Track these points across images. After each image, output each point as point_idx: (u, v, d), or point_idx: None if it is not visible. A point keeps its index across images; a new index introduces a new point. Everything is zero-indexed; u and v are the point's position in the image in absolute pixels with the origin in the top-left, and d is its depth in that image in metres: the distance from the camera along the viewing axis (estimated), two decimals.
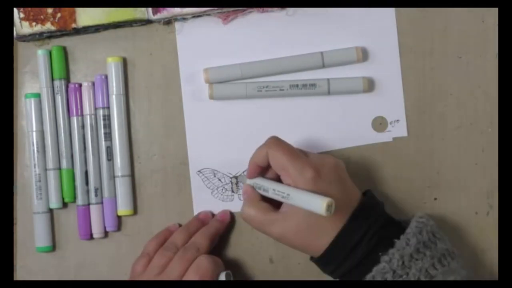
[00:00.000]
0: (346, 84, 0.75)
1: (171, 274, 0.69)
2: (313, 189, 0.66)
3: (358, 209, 0.68)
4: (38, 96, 0.75)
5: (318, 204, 0.64)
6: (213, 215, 0.76)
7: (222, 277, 0.71)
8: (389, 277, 0.65)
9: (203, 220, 0.75)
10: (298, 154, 0.68)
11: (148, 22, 0.75)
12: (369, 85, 0.75)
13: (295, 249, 0.70)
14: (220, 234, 0.75)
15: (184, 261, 0.70)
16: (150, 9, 0.74)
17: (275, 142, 0.69)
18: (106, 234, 0.76)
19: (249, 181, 0.71)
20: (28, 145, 0.76)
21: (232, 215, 0.76)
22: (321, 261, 0.69)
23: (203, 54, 0.76)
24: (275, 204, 0.69)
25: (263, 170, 0.71)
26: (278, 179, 0.70)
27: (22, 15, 0.74)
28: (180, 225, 0.75)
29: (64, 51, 0.76)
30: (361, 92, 0.75)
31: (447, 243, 0.68)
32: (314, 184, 0.66)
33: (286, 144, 0.69)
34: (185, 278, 0.69)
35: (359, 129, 0.76)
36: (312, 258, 0.70)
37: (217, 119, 0.76)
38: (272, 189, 0.69)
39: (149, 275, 0.70)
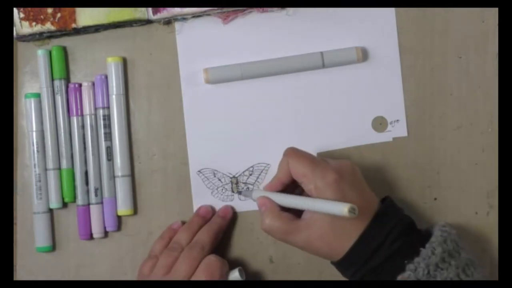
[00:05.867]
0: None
1: (178, 273, 0.69)
2: (336, 191, 0.66)
3: (380, 212, 0.68)
4: (38, 96, 0.76)
5: (341, 206, 0.64)
6: (213, 209, 0.76)
7: (236, 272, 0.71)
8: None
9: (204, 216, 0.75)
10: (318, 160, 0.69)
11: (148, 22, 0.75)
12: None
13: (319, 256, 0.69)
14: (223, 230, 0.74)
15: (190, 260, 0.70)
16: (150, 9, 0.74)
17: (294, 151, 0.70)
18: (106, 234, 0.76)
19: (255, 194, 0.71)
20: (28, 145, 0.76)
21: (233, 211, 0.76)
22: (342, 263, 0.68)
23: (203, 54, 0.76)
24: (294, 214, 0.69)
25: (284, 187, 0.71)
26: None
27: (22, 15, 0.74)
28: (183, 222, 0.75)
29: (64, 51, 0.76)
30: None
31: (469, 252, 0.68)
32: (337, 187, 0.67)
33: (304, 152, 0.70)
34: (195, 278, 0.69)
35: (359, 129, 0.76)
36: (332, 262, 0.69)
37: (217, 119, 0.76)
38: (291, 199, 0.69)
39: (156, 276, 0.70)
